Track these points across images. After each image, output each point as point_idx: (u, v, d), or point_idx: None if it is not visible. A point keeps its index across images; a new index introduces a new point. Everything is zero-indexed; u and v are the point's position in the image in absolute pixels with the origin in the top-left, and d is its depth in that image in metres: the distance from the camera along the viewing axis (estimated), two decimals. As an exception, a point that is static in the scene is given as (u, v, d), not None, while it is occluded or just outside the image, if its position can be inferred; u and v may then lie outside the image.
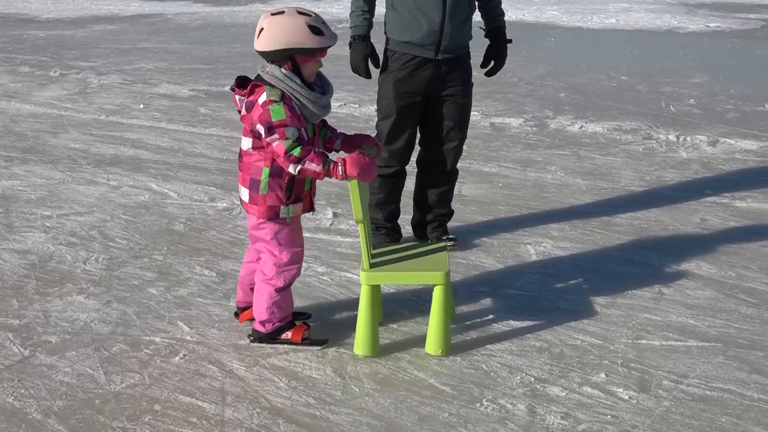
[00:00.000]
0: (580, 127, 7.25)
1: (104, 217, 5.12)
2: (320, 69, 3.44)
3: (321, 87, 3.44)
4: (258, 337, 3.62)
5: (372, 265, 3.48)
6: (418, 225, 4.72)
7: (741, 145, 6.68)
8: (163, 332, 3.72)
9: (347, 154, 3.34)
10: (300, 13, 3.31)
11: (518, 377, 3.37)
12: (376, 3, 4.48)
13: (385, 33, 4.44)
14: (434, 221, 4.66)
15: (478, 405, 3.18)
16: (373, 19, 4.45)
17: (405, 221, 4.79)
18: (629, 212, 5.21)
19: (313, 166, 3.27)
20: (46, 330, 3.72)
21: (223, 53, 11.01)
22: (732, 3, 16.01)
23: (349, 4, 4.53)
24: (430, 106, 4.46)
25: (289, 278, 3.53)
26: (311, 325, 3.69)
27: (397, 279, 3.68)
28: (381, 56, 4.49)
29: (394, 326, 3.76)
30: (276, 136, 3.27)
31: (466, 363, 3.47)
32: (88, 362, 3.46)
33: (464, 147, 4.60)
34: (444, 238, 4.61)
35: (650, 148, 6.63)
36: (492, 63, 4.52)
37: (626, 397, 3.24)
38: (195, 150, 6.67)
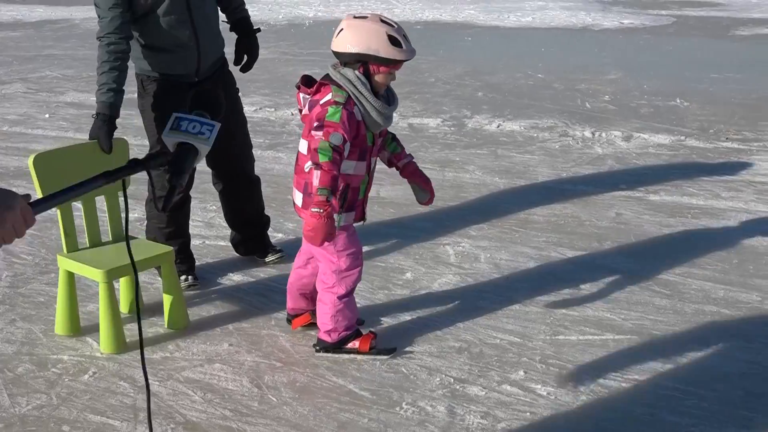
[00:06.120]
0: (498, 126, 7.29)
1: (10, 232, 4.91)
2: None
3: (387, 98, 3.36)
4: (324, 347, 3.53)
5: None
6: (239, 243, 4.50)
7: (654, 139, 6.80)
8: (71, 350, 3.59)
9: (327, 217, 3.10)
10: (383, 21, 3.22)
11: (438, 378, 3.35)
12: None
13: (134, 62, 3.98)
14: (252, 237, 4.47)
15: (398, 409, 3.15)
16: None
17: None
18: (546, 209, 5.25)
19: (315, 182, 3.11)
20: (-54, 353, 3.56)
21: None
22: (644, 0, 16.38)
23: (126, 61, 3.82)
24: None
25: (350, 284, 3.44)
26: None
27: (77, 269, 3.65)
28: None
29: (312, 333, 3.71)
30: (321, 133, 3.14)
31: (385, 367, 3.44)
32: (-9, 385, 3.31)
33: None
34: (270, 251, 4.44)
35: (567, 145, 6.70)
36: (245, 57, 4.26)
37: (545, 393, 3.25)
38: (107, 160, 6.47)
